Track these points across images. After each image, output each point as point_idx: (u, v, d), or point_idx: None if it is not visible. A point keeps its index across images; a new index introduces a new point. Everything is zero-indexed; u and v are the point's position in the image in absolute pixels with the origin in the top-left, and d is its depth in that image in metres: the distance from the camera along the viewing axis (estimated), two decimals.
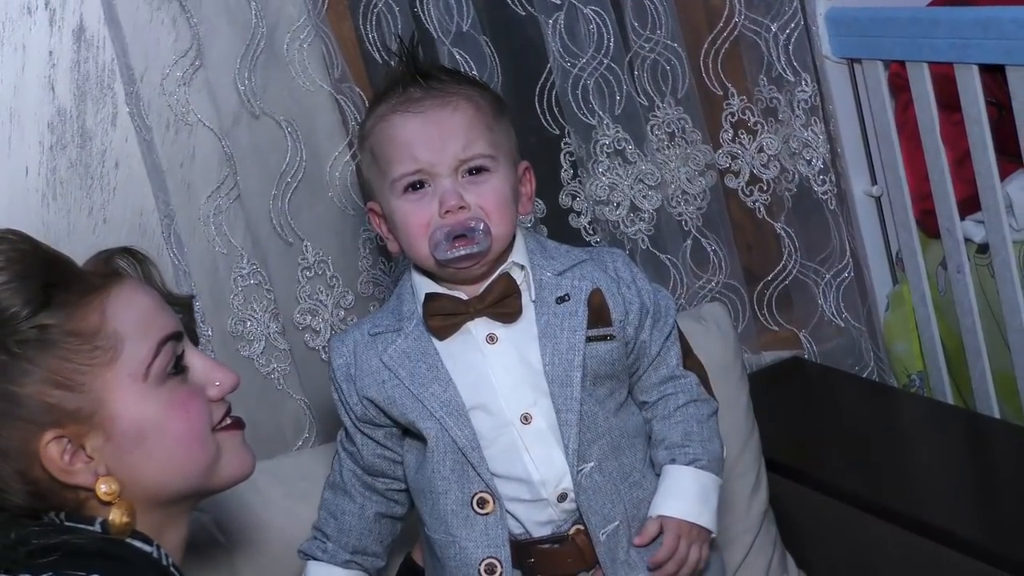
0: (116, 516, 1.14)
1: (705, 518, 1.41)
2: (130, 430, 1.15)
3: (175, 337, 1.20)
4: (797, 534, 1.86)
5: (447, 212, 1.36)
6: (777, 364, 2.17)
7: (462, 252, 1.36)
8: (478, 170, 1.38)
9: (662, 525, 1.40)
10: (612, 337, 1.41)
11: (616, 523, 1.40)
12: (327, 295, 1.92)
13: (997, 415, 2.07)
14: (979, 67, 1.92)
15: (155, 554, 1.17)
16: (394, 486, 1.48)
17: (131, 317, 1.17)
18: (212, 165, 1.84)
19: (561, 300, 1.41)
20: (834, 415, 2.02)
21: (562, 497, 1.40)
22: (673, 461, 1.42)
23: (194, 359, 1.22)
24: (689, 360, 1.47)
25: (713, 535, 1.43)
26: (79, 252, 1.22)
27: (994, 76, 1.95)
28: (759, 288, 2.18)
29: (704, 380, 1.48)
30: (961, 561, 1.60)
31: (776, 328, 2.20)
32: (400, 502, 1.50)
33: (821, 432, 1.97)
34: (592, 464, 1.39)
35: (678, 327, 1.48)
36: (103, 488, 1.14)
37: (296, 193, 1.87)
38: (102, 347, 1.14)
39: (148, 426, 1.16)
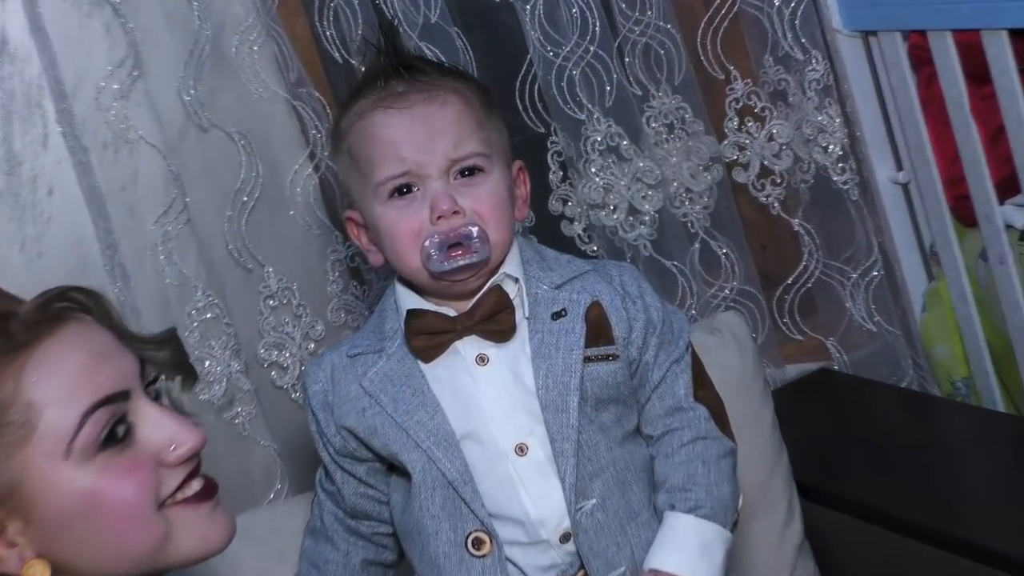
0: None
1: (703, 575, 1.36)
2: (53, 514, 1.11)
3: (114, 399, 1.13)
4: (837, 568, 1.85)
5: (439, 218, 1.37)
6: (804, 378, 2.18)
7: (460, 263, 1.36)
8: (471, 171, 1.39)
9: None
10: (615, 357, 1.40)
11: (622, 569, 1.38)
12: (294, 326, 1.91)
13: None
14: (1009, 32, 1.91)
15: None
16: (381, 529, 1.48)
17: (54, 382, 1.11)
18: (158, 186, 1.83)
19: (557, 316, 1.40)
20: (871, 431, 2.01)
21: (565, 538, 1.39)
22: (672, 507, 1.39)
23: (148, 416, 1.15)
24: (702, 391, 1.45)
25: None
26: (12, 292, 1.18)
27: None
28: (778, 293, 2.18)
29: (718, 415, 1.45)
30: None
31: (800, 337, 2.20)
32: (389, 547, 1.50)
33: (858, 451, 1.96)
34: (593, 501, 1.38)
35: (694, 355, 1.46)
36: (32, 573, 1.11)
37: (254, 213, 1.87)
38: (14, 423, 1.09)
39: (73, 509, 1.11)
